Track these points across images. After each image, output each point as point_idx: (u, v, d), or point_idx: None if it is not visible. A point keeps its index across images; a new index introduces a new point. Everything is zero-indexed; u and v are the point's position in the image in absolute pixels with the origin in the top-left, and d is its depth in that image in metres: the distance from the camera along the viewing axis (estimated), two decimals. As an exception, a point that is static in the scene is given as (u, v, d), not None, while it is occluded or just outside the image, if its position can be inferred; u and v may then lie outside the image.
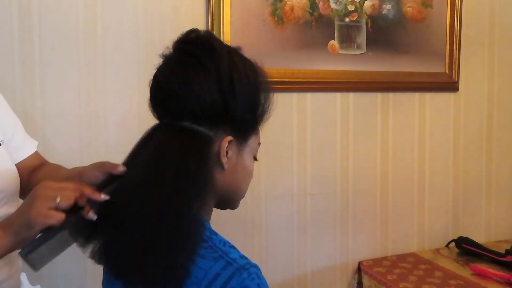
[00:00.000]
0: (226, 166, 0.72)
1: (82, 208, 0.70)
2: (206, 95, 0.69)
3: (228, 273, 0.64)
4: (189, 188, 0.68)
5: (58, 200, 0.69)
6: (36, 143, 1.07)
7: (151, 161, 0.70)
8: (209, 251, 0.67)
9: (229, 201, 0.79)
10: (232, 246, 0.70)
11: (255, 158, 0.79)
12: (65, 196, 0.70)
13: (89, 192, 0.71)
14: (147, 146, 0.73)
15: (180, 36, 0.74)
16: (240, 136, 0.74)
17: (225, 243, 0.70)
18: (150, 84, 0.74)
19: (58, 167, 1.02)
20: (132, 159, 0.74)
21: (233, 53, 0.73)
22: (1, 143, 0.96)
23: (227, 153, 0.72)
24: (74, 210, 0.70)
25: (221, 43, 0.73)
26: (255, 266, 0.67)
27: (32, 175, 1.00)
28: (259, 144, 0.79)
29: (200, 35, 0.73)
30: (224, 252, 0.67)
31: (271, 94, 0.75)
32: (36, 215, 0.68)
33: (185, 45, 0.73)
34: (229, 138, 0.72)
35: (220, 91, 0.69)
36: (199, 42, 0.72)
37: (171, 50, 0.74)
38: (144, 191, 0.68)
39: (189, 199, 0.67)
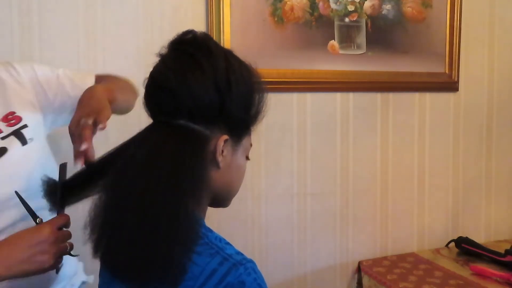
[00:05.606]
0: (221, 164, 0.73)
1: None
2: (203, 94, 0.70)
3: (225, 269, 0.65)
4: (185, 185, 0.68)
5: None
6: (93, 77, 1.10)
7: (148, 159, 0.71)
8: (205, 247, 0.68)
9: (222, 200, 0.80)
10: (227, 243, 0.70)
11: (247, 158, 0.80)
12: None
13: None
14: (143, 145, 0.73)
15: (176, 36, 0.75)
16: (235, 136, 0.75)
17: (220, 239, 0.70)
18: (145, 82, 0.76)
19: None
20: (126, 157, 0.74)
21: (229, 55, 0.74)
22: (29, 141, 0.90)
23: (222, 151, 0.73)
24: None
25: (217, 45, 0.75)
26: (251, 261, 0.68)
27: None
28: (251, 145, 0.81)
29: (197, 36, 0.74)
30: (220, 248, 0.68)
31: (265, 95, 0.77)
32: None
33: (182, 46, 0.74)
34: (225, 137, 0.72)
35: (216, 91, 0.70)
36: (196, 42, 0.74)
37: (168, 50, 0.75)
38: (140, 188, 0.68)
39: (185, 196, 0.68)
